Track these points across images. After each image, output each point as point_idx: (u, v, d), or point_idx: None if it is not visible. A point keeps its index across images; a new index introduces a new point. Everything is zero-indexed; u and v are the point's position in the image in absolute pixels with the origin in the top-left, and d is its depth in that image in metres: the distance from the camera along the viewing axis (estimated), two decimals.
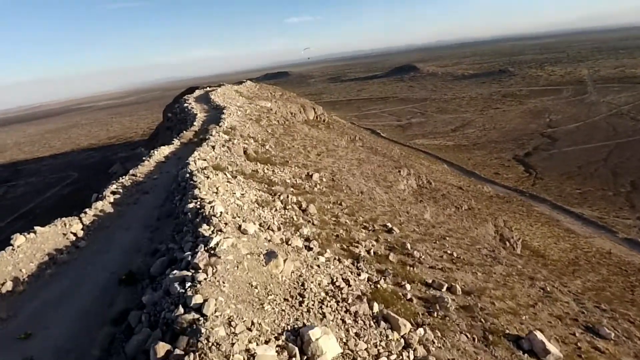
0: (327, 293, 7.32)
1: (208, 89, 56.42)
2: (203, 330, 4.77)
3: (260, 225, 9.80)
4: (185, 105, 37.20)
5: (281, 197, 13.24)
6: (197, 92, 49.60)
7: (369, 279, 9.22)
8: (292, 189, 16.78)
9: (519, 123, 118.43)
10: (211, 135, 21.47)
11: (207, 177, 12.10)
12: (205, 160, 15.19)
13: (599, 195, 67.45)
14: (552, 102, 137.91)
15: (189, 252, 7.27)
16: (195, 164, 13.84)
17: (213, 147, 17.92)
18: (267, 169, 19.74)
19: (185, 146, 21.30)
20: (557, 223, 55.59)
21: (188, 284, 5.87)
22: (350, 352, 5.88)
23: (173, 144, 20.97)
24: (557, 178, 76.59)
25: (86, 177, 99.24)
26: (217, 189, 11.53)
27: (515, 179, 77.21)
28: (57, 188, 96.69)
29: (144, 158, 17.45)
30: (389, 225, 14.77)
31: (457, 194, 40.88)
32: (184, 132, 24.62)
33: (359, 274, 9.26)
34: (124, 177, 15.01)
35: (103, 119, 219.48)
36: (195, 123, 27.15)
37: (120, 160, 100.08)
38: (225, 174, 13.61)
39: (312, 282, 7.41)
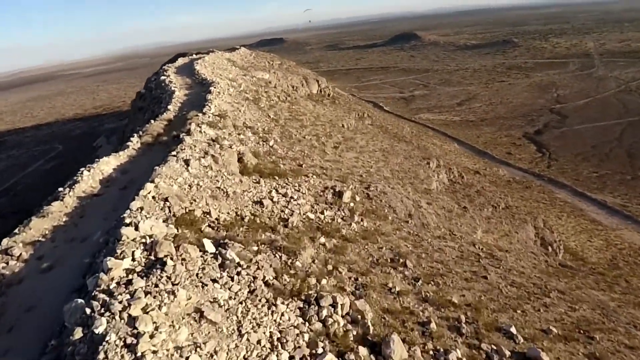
0: None
1: (194, 56, 47.05)
2: None
3: None
4: (163, 78, 28.53)
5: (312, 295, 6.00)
6: (181, 61, 40.33)
7: None
8: (322, 239, 9.44)
9: (526, 98, 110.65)
10: (187, 132, 13.64)
11: (156, 294, 4.78)
12: (167, 203, 7.67)
13: (618, 180, 62.48)
14: (559, 75, 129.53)
15: None
16: (134, 254, 5.76)
17: (187, 162, 10.22)
18: (276, 189, 12.21)
19: (148, 150, 13.49)
20: (582, 213, 49.69)
21: None
22: None
23: (129, 146, 13.16)
24: (572, 159, 70.69)
25: (71, 149, 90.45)
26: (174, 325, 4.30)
27: (529, 159, 70.80)
28: (41, 162, 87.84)
29: (70, 185, 9.66)
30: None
31: (491, 189, 33.84)
32: (152, 122, 16.69)
33: None
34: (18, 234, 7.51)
35: (89, 86, 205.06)
36: (170, 107, 19.09)
37: (106, 133, 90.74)
38: (204, 255, 6.19)
39: None
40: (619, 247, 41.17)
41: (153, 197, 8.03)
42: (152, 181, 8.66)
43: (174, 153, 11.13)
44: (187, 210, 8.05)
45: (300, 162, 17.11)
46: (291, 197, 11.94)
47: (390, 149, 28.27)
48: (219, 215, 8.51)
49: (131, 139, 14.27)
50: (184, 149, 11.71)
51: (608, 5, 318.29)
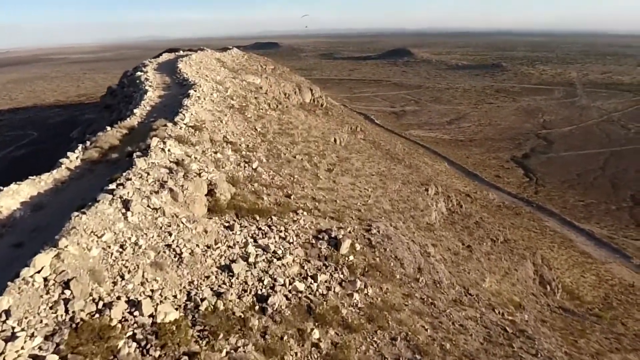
0: None
1: (181, 52, 43.21)
2: None
3: None
4: (139, 74, 24.73)
5: None
6: (165, 56, 36.32)
7: None
8: (315, 333, 6.21)
9: (514, 121, 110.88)
10: (146, 149, 10.20)
11: None
12: (65, 293, 4.27)
13: (603, 210, 62.38)
14: (545, 102, 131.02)
15: None
16: None
17: (127, 204, 6.70)
18: (255, 237, 8.91)
19: (88, 173, 9.87)
20: (572, 244, 48.14)
21: None
22: None
23: (61, 165, 9.52)
24: (559, 186, 70.20)
25: (46, 138, 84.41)
26: None
27: (517, 184, 69.67)
28: (11, 148, 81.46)
29: None
30: None
31: (489, 220, 31.26)
32: (108, 129, 13.13)
33: None
34: None
35: (75, 73, 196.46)
36: (137, 110, 15.57)
37: (86, 122, 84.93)
38: None
39: None
40: (611, 284, 39.65)
41: (45, 282, 4.65)
42: (55, 245, 5.26)
43: (112, 186, 7.68)
44: (99, 308, 4.67)
45: (288, 192, 13.79)
46: (274, 253, 8.64)
47: (387, 172, 25.28)
48: (156, 307, 5.16)
49: (69, 154, 10.67)
50: (131, 178, 8.28)
51: (590, 38, 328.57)
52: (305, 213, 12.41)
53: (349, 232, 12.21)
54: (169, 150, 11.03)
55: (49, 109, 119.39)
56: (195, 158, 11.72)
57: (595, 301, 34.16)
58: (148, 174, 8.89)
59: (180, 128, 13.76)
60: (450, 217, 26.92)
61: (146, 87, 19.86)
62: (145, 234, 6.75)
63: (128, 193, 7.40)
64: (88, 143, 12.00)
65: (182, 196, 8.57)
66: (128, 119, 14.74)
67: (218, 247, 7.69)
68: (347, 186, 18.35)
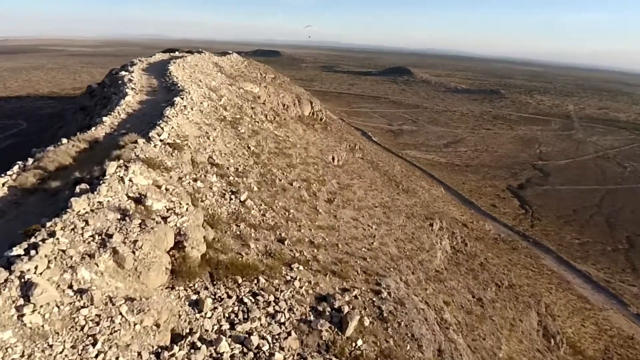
0: None
1: (177, 54, 40.58)
2: None
3: None
4: (123, 74, 21.91)
5: None
6: (159, 56, 33.57)
7: None
8: None
9: (510, 149, 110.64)
10: (99, 178, 7.57)
11: None
12: None
13: (599, 250, 61.48)
14: (542, 132, 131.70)
15: None
16: None
17: (29, 289, 4.10)
18: (232, 320, 6.27)
19: (13, 208, 7.17)
20: (569, 286, 46.26)
21: None
22: None
23: None
24: (555, 221, 69.07)
25: (35, 130, 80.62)
26: None
27: (513, 215, 68.21)
28: (0, 136, 77.50)
29: None
30: None
31: (494, 262, 28.94)
32: (63, 142, 10.42)
33: None
34: None
35: (72, 66, 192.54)
36: (107, 118, 12.86)
37: (57, 125, 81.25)
38: None
39: None
40: (610, 334, 37.65)
41: None
42: None
43: (16, 251, 4.98)
44: None
45: (282, 234, 11.14)
46: (258, 351, 5.98)
47: (390, 203, 22.84)
48: None
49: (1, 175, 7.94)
50: (55, 233, 5.60)
51: (587, 73, 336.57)
52: (301, 268, 9.75)
53: (355, 296, 9.60)
54: (130, 180, 8.33)
55: (42, 100, 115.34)
56: (166, 190, 9.03)
57: (597, 356, 31.95)
58: (87, 222, 6.21)
59: (155, 146, 11.06)
60: (455, 257, 24.50)
61: (127, 90, 17.14)
62: (50, 346, 4.08)
63: (36, 268, 4.69)
64: (30, 161, 9.26)
65: (131, 260, 5.90)
66: (94, 128, 12.04)
67: (173, 354, 5.02)
68: (350, 222, 15.76)
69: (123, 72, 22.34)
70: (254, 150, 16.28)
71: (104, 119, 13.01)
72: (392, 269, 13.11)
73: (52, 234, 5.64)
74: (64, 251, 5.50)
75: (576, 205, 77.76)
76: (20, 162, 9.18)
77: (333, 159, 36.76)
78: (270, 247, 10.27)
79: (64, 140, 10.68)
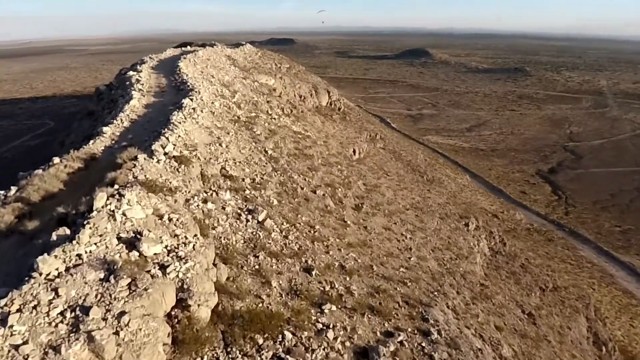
0: None
1: (189, 48, 38.93)
2: None
3: None
4: (130, 74, 20.35)
5: None
6: (170, 52, 31.91)
7: None
8: None
9: (538, 131, 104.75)
10: (85, 215, 6.03)
11: None
12: None
13: None
14: (572, 111, 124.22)
15: None
16: None
17: None
18: None
19: None
20: (612, 280, 42.94)
21: None
22: None
23: None
24: (591, 207, 64.58)
25: (62, 128, 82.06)
26: None
27: (545, 202, 64.25)
28: (27, 137, 79.27)
29: None
30: None
31: (536, 262, 26.53)
32: (54, 161, 8.94)
33: None
34: None
35: (93, 64, 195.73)
36: (107, 129, 11.28)
37: (64, 132, 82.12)
38: None
39: None
40: None
41: None
42: None
43: None
44: None
45: (308, 261, 9.42)
46: None
47: (422, 203, 20.78)
48: None
49: None
50: (7, 318, 4.02)
51: (619, 45, 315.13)
52: (334, 308, 8.01)
53: (401, 342, 7.82)
54: (123, 214, 6.73)
55: (67, 99, 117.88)
56: (169, 221, 7.40)
57: None
58: (56, 292, 4.62)
59: (158, 162, 9.44)
60: (494, 260, 22.31)
61: (132, 93, 15.62)
62: None
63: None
64: (12, 190, 7.83)
65: (113, 346, 4.27)
66: (92, 142, 10.56)
67: None
68: (382, 234, 13.89)
69: (131, 72, 20.86)
70: (272, 155, 14.51)
71: (104, 129, 11.50)
72: (436, 293, 11.22)
73: (3, 322, 4.05)
74: (17, 347, 3.91)
75: (614, 190, 72.58)
76: (1, 192, 7.76)
77: (354, 151, 34.72)
78: (296, 282, 8.55)
79: (55, 160, 9.21)
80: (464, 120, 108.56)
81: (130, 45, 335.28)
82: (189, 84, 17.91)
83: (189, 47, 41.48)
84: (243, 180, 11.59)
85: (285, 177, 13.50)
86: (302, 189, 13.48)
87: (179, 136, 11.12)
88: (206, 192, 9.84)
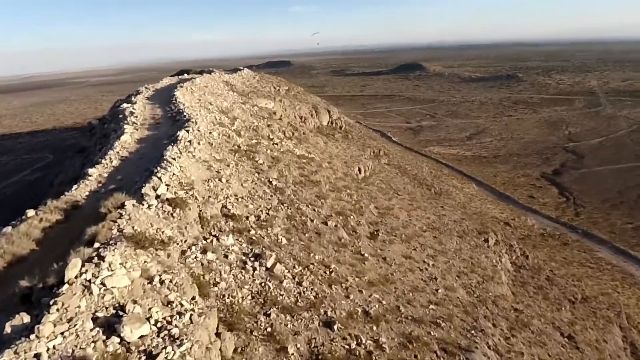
0: None
1: (186, 76, 38.28)
2: None
3: None
4: (124, 107, 19.22)
5: None
6: (166, 81, 31.04)
7: None
8: None
9: (538, 134, 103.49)
10: (53, 294, 4.66)
11: None
12: None
13: None
14: (567, 112, 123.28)
15: None
16: None
17: None
18: None
19: None
20: (635, 280, 40.71)
21: None
22: None
23: None
24: (600, 206, 62.58)
25: (60, 161, 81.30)
26: None
27: (554, 205, 62.23)
28: (27, 172, 78.40)
29: None
30: None
31: (560, 272, 24.68)
32: (28, 214, 7.62)
33: None
34: None
35: (93, 95, 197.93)
36: (93, 171, 10.01)
37: (71, 160, 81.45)
38: None
39: None
40: None
41: None
42: None
43: None
44: None
45: (327, 312, 7.91)
46: None
47: (438, 222, 19.27)
48: None
49: None
50: None
51: (607, 45, 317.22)
52: None
53: None
54: (102, 283, 5.35)
55: (67, 131, 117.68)
56: (161, 283, 6.00)
57: None
58: None
59: (149, 207, 8.09)
60: (519, 276, 20.57)
61: (125, 127, 14.46)
62: None
63: None
64: None
65: None
66: (75, 187, 9.27)
67: None
68: (403, 264, 12.35)
69: (124, 105, 19.76)
70: (277, 185, 13.16)
71: (90, 171, 10.22)
72: (473, 332, 9.60)
73: None
74: None
75: (619, 186, 70.60)
76: None
77: (360, 170, 33.40)
78: (316, 342, 7.02)
79: (30, 213, 7.88)
80: (464, 129, 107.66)
81: (130, 76, 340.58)
82: (185, 113, 16.77)
83: (186, 75, 40.87)
84: (247, 218, 10.19)
85: (292, 210, 12.10)
86: (312, 221, 12.05)
87: (174, 174, 9.81)
88: (205, 239, 8.44)
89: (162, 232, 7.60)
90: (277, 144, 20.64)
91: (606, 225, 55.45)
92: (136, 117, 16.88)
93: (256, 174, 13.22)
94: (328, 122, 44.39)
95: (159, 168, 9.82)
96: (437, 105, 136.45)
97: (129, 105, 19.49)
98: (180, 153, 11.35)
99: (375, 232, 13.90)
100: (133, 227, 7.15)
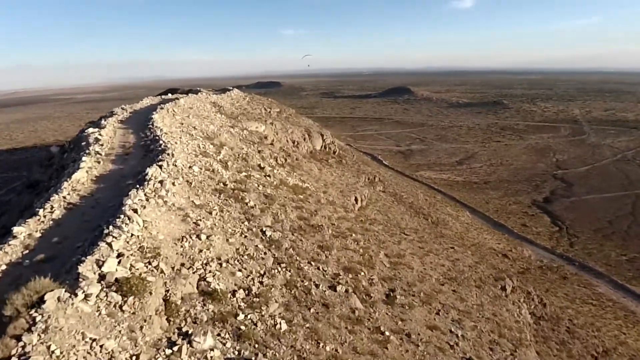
0: None
1: (169, 96, 35.62)
2: None
3: None
4: (90, 132, 16.09)
5: None
6: (147, 101, 28.00)
7: None
8: None
9: (526, 161, 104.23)
10: None
11: None
12: None
13: None
14: (553, 140, 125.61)
15: None
16: None
17: None
18: None
19: None
20: (637, 318, 38.64)
21: None
22: None
23: None
24: (593, 237, 61.92)
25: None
26: None
27: (547, 234, 61.06)
28: (2, 192, 72.99)
29: None
30: None
31: (579, 322, 22.34)
32: None
33: None
34: None
35: (78, 113, 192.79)
36: (21, 229, 7.19)
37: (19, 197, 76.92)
38: None
39: None
40: None
41: None
42: None
43: None
44: None
45: None
46: None
47: (453, 269, 16.79)
48: None
49: None
50: None
51: (584, 76, 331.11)
52: None
53: None
54: None
55: (47, 149, 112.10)
56: None
57: None
58: None
59: (86, 299, 5.30)
60: (540, 329, 18.09)
61: (83, 159, 11.56)
62: None
63: None
64: None
65: None
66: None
67: None
68: (430, 341, 9.68)
69: (90, 130, 16.67)
70: (272, 236, 10.46)
71: (17, 230, 7.30)
72: None
73: None
74: None
75: (610, 216, 70.44)
76: None
77: (356, 200, 30.98)
78: None
79: None
80: (453, 154, 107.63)
81: (118, 93, 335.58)
82: (161, 142, 14.01)
83: (169, 95, 38.23)
84: (233, 294, 7.43)
85: (292, 272, 9.37)
86: (318, 286, 9.34)
87: (132, 236, 7.06)
88: (172, 344, 5.62)
89: (101, 345, 4.78)
90: (269, 175, 18.02)
91: (601, 257, 54.28)
92: (102, 145, 13.93)
93: (246, 222, 10.52)
94: (321, 147, 42.19)
95: (111, 228, 7.04)
96: (426, 129, 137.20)
97: (96, 130, 16.39)
98: (147, 200, 8.60)
99: (391, 293, 11.26)
100: (48, 348, 4.33)
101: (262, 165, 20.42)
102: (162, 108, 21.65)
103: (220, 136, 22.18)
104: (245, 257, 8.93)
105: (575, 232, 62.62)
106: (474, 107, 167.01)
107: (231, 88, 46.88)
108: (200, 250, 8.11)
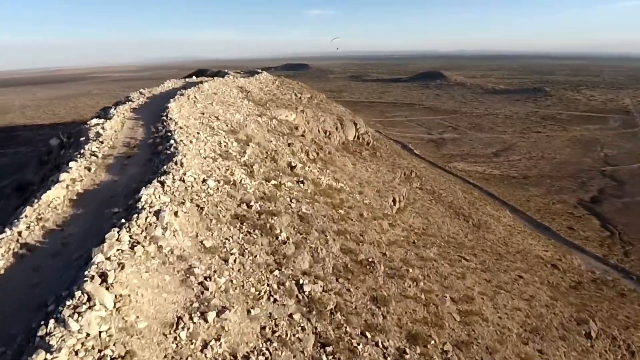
0: None
1: (194, 79, 32.61)
2: None
3: None
4: (95, 123, 13.27)
5: None
6: (169, 84, 25.09)
7: None
8: None
9: (570, 154, 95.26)
10: None
11: None
12: None
13: None
14: (600, 132, 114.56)
15: None
16: None
17: None
18: None
19: None
20: None
21: None
22: None
23: None
24: None
25: None
26: None
27: (597, 240, 54.80)
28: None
29: None
30: None
31: None
32: None
33: None
34: None
35: (114, 90, 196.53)
36: None
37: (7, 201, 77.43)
38: None
39: None
40: None
41: None
42: None
43: None
44: None
45: None
46: None
47: (530, 312, 12.97)
48: None
49: None
50: None
51: (634, 62, 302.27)
52: None
53: None
54: None
55: (85, 124, 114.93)
56: None
57: None
58: None
59: None
60: None
61: (71, 164, 8.70)
62: None
63: None
64: None
65: None
66: None
67: None
68: None
69: (94, 120, 13.80)
70: (312, 294, 7.18)
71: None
72: None
73: None
74: None
75: None
76: None
77: (394, 201, 27.28)
78: None
79: None
80: (489, 145, 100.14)
81: (151, 72, 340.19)
82: (172, 142, 10.89)
83: (194, 78, 35.27)
84: None
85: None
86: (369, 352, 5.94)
87: (88, 337, 3.98)
88: None
89: None
90: (302, 181, 14.69)
91: None
92: (101, 142, 11.01)
93: (276, 271, 7.31)
94: (354, 137, 38.35)
95: (52, 323, 3.97)
96: (460, 116, 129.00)
97: (101, 121, 13.41)
98: (131, 249, 5.52)
99: (451, 350, 7.82)
100: None
101: (292, 164, 17.14)
102: (182, 94, 18.58)
103: (246, 127, 18.98)
104: (275, 343, 5.73)
105: (630, 240, 55.98)
106: (511, 94, 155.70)
107: (260, 70, 43.40)
108: (205, 345, 4.95)
